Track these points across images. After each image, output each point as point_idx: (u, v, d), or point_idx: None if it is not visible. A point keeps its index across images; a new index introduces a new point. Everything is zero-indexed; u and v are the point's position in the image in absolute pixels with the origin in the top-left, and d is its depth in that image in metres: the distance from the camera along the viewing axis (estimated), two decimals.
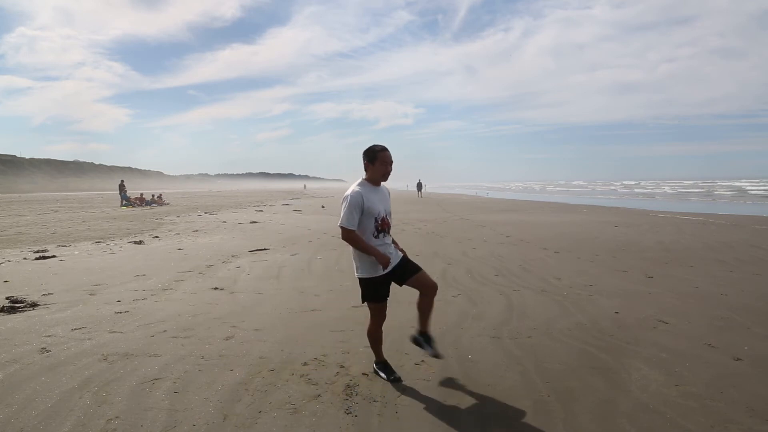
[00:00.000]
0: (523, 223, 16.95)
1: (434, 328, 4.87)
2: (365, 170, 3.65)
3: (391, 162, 3.64)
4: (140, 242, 11.76)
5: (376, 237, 3.61)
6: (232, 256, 9.54)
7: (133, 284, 6.94)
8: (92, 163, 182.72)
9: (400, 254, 3.78)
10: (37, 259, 9.20)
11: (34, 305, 5.77)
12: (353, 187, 3.61)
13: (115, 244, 11.42)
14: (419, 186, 49.09)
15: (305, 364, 4.00)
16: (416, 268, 3.72)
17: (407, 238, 12.42)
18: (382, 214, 3.63)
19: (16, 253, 10.04)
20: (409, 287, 3.79)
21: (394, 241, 3.83)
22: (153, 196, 33.15)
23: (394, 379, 3.69)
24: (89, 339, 4.58)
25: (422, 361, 4.05)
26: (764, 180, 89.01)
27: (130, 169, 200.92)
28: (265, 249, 10.47)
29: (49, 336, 4.67)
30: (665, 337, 4.62)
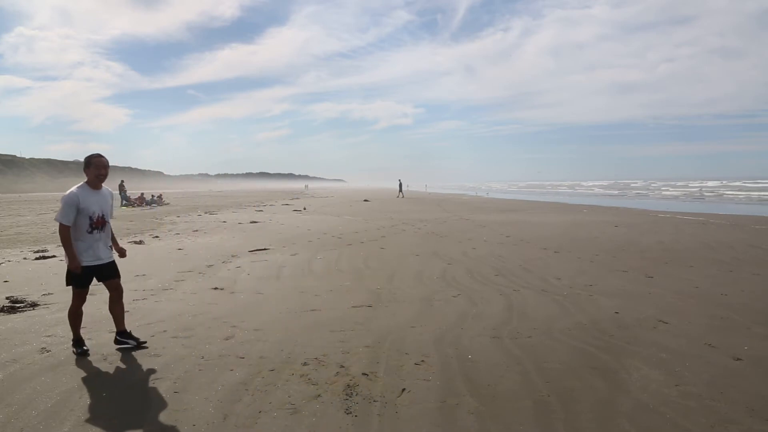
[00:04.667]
0: (523, 223, 16.95)
1: (433, 328, 4.89)
2: (85, 174, 4.21)
3: (105, 166, 4.21)
4: (140, 242, 11.76)
5: (90, 233, 4.14)
6: (232, 256, 9.54)
7: (133, 284, 6.94)
8: None
9: (111, 256, 4.36)
10: (37, 259, 9.20)
11: (34, 305, 5.77)
12: (72, 188, 4.14)
13: None
14: (400, 185, 48.85)
15: (305, 364, 4.00)
16: (115, 274, 4.36)
17: (407, 238, 12.43)
18: (98, 213, 4.17)
19: (16, 253, 10.04)
20: None
21: (114, 239, 4.46)
22: (153, 196, 33.13)
23: (81, 352, 4.21)
24: (89, 339, 4.58)
25: (422, 361, 4.05)
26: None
27: (130, 169, 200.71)
28: (265, 249, 10.47)
29: (49, 336, 4.68)
30: (665, 337, 4.62)
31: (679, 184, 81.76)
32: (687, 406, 3.26)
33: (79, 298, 4.25)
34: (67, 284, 4.21)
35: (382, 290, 6.60)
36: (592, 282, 7.01)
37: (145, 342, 4.45)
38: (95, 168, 4.16)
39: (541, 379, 3.71)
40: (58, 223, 4.06)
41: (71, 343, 4.35)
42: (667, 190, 57.58)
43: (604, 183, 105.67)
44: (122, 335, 4.41)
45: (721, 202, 33.53)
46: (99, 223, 4.18)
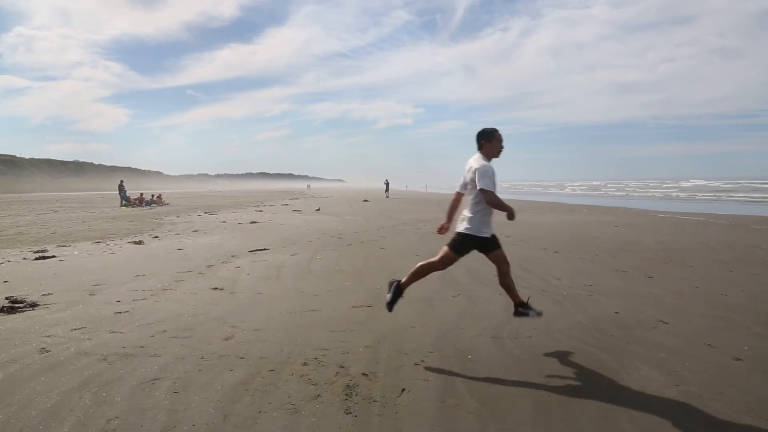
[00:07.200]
0: (523, 222, 16.93)
1: (433, 328, 4.89)
2: (481, 149, 4.21)
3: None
4: (140, 242, 11.75)
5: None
6: (232, 256, 9.54)
7: (133, 284, 6.94)
8: (92, 163, 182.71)
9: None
10: (36, 259, 9.19)
11: (33, 305, 5.77)
12: (480, 161, 4.13)
13: (115, 244, 11.42)
14: (387, 186, 48.47)
15: (305, 364, 4.00)
16: (499, 245, 4.35)
17: (407, 238, 12.43)
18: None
19: (16, 253, 10.04)
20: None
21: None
22: (153, 196, 33.13)
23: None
24: (89, 339, 4.58)
25: (422, 361, 4.06)
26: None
27: (130, 169, 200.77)
28: (265, 249, 10.46)
29: (49, 336, 4.67)
30: (665, 337, 4.62)
31: (652, 184, 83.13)
32: (687, 406, 3.27)
33: (445, 263, 4.34)
34: (455, 250, 4.27)
35: (382, 290, 6.59)
36: (592, 282, 7.01)
37: (541, 312, 4.50)
38: (497, 142, 4.21)
39: (541, 379, 3.71)
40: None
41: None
42: (635, 191, 58.54)
43: (586, 184, 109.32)
44: (522, 306, 4.44)
45: (694, 202, 33.98)
46: None
